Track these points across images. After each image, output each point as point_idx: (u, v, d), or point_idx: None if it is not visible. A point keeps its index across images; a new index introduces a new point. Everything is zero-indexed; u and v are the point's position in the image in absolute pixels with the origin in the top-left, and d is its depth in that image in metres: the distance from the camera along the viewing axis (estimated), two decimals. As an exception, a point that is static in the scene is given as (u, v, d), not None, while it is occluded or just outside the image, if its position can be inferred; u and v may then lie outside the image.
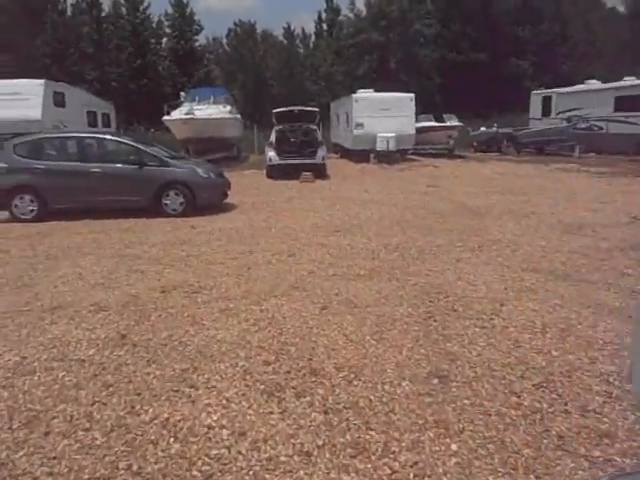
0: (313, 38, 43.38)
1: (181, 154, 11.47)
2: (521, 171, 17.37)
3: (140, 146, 9.71)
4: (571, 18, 43.52)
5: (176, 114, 17.76)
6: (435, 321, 4.62)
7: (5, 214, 9.70)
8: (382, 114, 19.97)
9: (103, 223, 9.13)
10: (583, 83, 25.87)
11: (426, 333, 4.36)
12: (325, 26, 43.23)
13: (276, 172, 15.51)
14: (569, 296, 5.20)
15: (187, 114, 17.12)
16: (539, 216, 9.36)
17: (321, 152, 15.51)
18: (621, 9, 48.25)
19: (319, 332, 4.42)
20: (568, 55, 42.16)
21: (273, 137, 15.62)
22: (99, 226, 8.92)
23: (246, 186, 13.94)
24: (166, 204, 9.60)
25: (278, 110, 16.02)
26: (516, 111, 32.35)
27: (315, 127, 16.03)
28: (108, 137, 10.26)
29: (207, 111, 18.23)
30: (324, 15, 43.24)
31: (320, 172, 15.45)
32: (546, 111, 26.34)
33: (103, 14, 38.94)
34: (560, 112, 25.24)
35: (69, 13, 38.98)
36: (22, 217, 9.38)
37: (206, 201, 9.89)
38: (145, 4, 39.85)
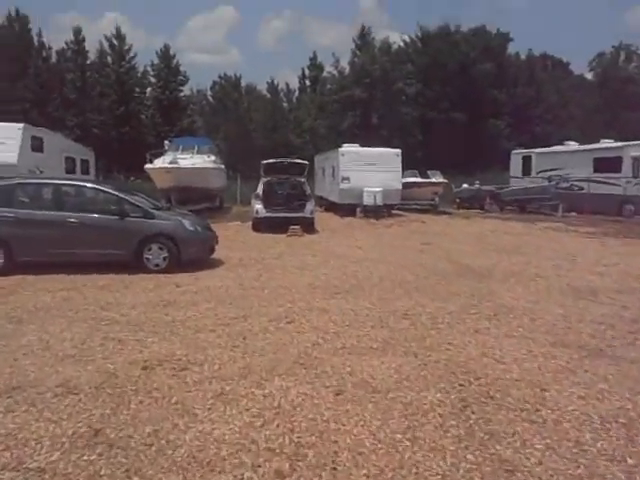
0: (297, 93, 44.32)
1: (165, 204, 10.68)
2: (510, 229, 17.21)
3: (122, 195, 8.99)
4: (543, 83, 45.50)
5: (159, 162, 17.22)
6: (473, 413, 3.90)
7: None
8: (369, 168, 19.86)
9: (76, 279, 8.22)
10: (561, 144, 26.63)
11: (467, 431, 3.63)
12: (308, 82, 44.25)
13: (263, 225, 14.88)
14: (614, 379, 4.58)
15: (171, 163, 16.57)
16: (546, 279, 8.88)
17: (310, 206, 15.02)
18: (589, 77, 50.78)
19: (339, 428, 3.66)
20: (542, 117, 43.99)
21: (260, 189, 15.08)
22: (72, 282, 8.01)
23: (232, 239, 13.23)
24: (148, 259, 8.79)
25: (267, 161, 15.57)
26: (495, 169, 33.25)
27: (304, 180, 15.58)
28: (87, 185, 9.52)
29: (191, 160, 17.74)
30: (307, 72, 44.42)
31: (308, 226, 14.89)
32: (526, 170, 26.97)
33: (88, 62, 38.83)
34: (540, 171, 25.77)
35: (53, 60, 38.91)
36: None
37: (192, 256, 9.13)
38: (131, 54, 40.09)
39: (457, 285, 8.30)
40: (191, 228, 9.09)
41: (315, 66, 43.98)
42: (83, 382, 4.36)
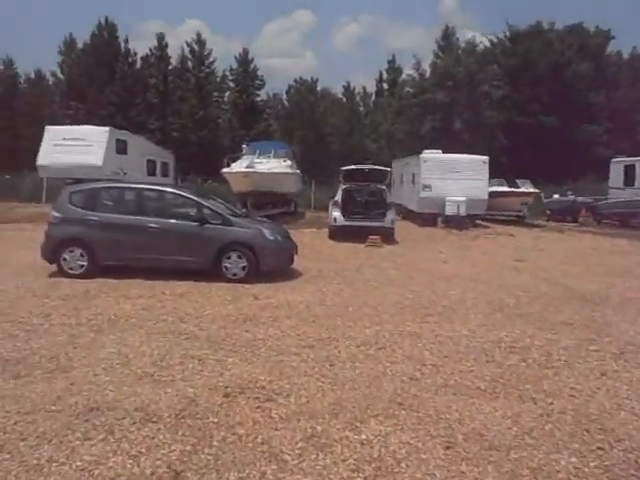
0: (373, 97, 43.59)
1: (243, 211, 10.48)
2: (615, 247, 15.60)
3: (202, 201, 8.78)
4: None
5: (237, 166, 17.20)
6: (625, 490, 3.11)
7: (53, 268, 8.83)
8: (452, 176, 18.85)
9: (155, 285, 8.05)
10: None
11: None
12: (386, 85, 43.43)
13: (340, 234, 14.37)
14: None
15: (248, 167, 16.47)
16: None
17: (390, 215, 14.32)
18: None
19: (458, 499, 3.00)
20: (646, 123, 39.93)
21: (339, 196, 14.56)
22: (150, 289, 7.84)
23: (308, 247, 12.82)
24: (226, 267, 8.48)
25: (347, 168, 15.03)
26: (589, 178, 30.48)
27: (384, 188, 14.91)
28: (169, 190, 9.39)
29: (268, 165, 17.59)
30: (385, 75, 43.67)
31: (388, 236, 14.21)
32: (629, 181, 23.73)
33: (170, 67, 40.11)
34: None
35: (138, 66, 40.42)
36: (70, 272, 8.48)
37: (271, 267, 8.76)
38: (211, 59, 40.99)
39: (566, 313, 7.32)
40: (271, 237, 8.73)
41: (393, 69, 43.17)
42: (162, 407, 3.99)
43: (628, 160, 24.74)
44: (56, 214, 8.71)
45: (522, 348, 5.71)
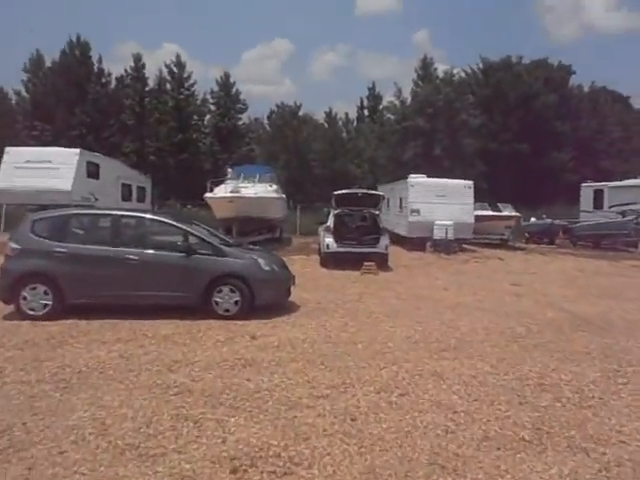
0: (355, 123, 43.51)
1: (232, 239, 9.37)
2: (597, 268, 15.71)
3: (189, 229, 7.82)
4: (606, 116, 43.32)
5: (220, 191, 16.34)
6: None
7: (10, 309, 7.61)
8: (439, 200, 18.56)
9: (136, 326, 7.01)
10: (632, 178, 25.23)
11: None
12: (367, 112, 43.49)
13: (333, 261, 13.59)
14: None
15: (233, 192, 15.66)
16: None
17: (384, 240, 13.62)
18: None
19: None
20: (606, 151, 41.66)
21: (331, 221, 13.80)
22: (131, 331, 6.80)
23: (301, 276, 11.97)
24: (217, 302, 7.50)
25: (339, 192, 14.27)
26: (559, 203, 31.92)
27: (378, 212, 14.25)
28: (149, 216, 8.30)
29: (254, 189, 16.81)
30: (365, 102, 43.76)
31: (382, 262, 13.50)
32: (598, 204, 25.23)
33: (147, 88, 38.62)
34: (613, 205, 23.91)
35: (112, 86, 38.86)
36: (31, 313, 7.26)
37: (267, 301, 7.83)
38: (191, 81, 39.68)
39: (580, 341, 6.97)
40: (267, 268, 7.79)
41: (374, 96, 43.29)
42: (153, 497, 3.10)
43: (597, 185, 26.16)
44: (15, 245, 7.50)
45: (551, 385, 5.23)
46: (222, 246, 7.76)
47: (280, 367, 5.52)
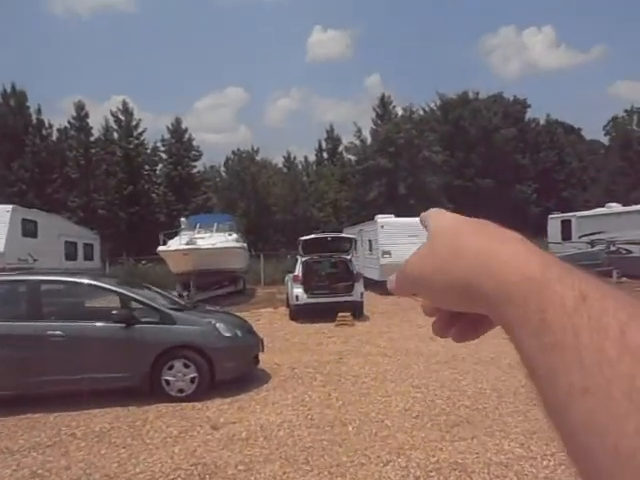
0: (314, 167, 42.80)
1: (189, 301, 7.71)
2: None
3: (129, 293, 6.38)
4: (563, 148, 44.67)
5: (175, 244, 14.89)
6: None
7: None
8: (411, 240, 17.46)
9: (61, 421, 5.44)
10: (602, 206, 24.91)
11: None
12: (326, 154, 42.94)
13: (303, 313, 12.19)
14: None
15: (188, 244, 14.22)
16: None
17: (359, 287, 12.32)
18: (604, 141, 49.88)
19: None
20: (566, 181, 42.68)
21: (299, 270, 12.41)
22: (54, 429, 5.21)
23: (269, 333, 10.59)
24: (168, 382, 5.99)
25: (307, 237, 12.86)
26: (526, 235, 31.78)
27: (350, 257, 13.01)
28: (78, 280, 6.63)
29: (211, 240, 15.41)
30: (324, 144, 43.33)
31: (357, 311, 12.22)
32: (566, 235, 24.73)
33: (92, 139, 35.86)
34: (582, 236, 23.63)
35: (54, 138, 36.19)
36: None
37: (231, 374, 6.35)
38: (140, 129, 37.11)
39: None
40: (228, 334, 6.34)
41: (332, 138, 42.86)
42: None
43: (564, 216, 25.61)
44: None
45: None
46: (172, 311, 6.27)
47: (252, 474, 4.09)
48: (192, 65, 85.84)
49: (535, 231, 32.66)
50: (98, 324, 5.95)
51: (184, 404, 5.85)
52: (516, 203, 37.96)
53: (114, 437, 4.98)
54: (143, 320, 6.00)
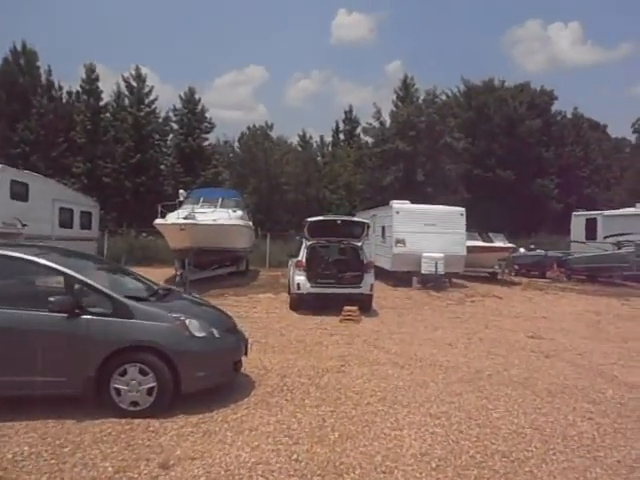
0: (330, 147, 41.20)
1: (162, 288, 6.07)
2: (613, 308, 13.59)
3: (76, 275, 4.85)
4: (589, 144, 42.72)
5: (172, 217, 13.58)
6: None
7: None
8: (428, 229, 16.25)
9: None
10: (634, 207, 23.25)
11: None
12: (342, 136, 41.37)
13: (305, 303, 10.91)
14: None
15: (187, 218, 12.93)
16: None
17: (369, 278, 10.94)
18: (632, 139, 47.79)
19: None
20: (590, 178, 40.81)
21: (303, 255, 11.04)
22: None
23: (263, 325, 9.34)
24: (119, 392, 4.71)
25: (314, 219, 11.43)
26: (544, 232, 30.90)
27: (360, 244, 11.60)
28: (10, 254, 5.00)
29: (212, 216, 14.11)
30: (342, 125, 41.73)
31: (365, 304, 10.93)
32: (590, 234, 23.13)
33: (102, 103, 34.21)
34: (608, 236, 22.09)
35: (63, 101, 34.50)
36: None
37: (201, 384, 5.04)
38: (152, 97, 35.14)
39: None
40: (201, 334, 5.01)
41: (350, 120, 41.15)
42: None
43: (590, 214, 24.22)
44: None
45: None
46: (130, 301, 4.90)
47: None
48: (216, 41, 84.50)
49: (555, 227, 31.20)
50: (30, 312, 4.61)
51: (137, 422, 4.57)
52: (536, 197, 36.56)
53: (27, 472, 3.71)
54: (91, 311, 4.68)
